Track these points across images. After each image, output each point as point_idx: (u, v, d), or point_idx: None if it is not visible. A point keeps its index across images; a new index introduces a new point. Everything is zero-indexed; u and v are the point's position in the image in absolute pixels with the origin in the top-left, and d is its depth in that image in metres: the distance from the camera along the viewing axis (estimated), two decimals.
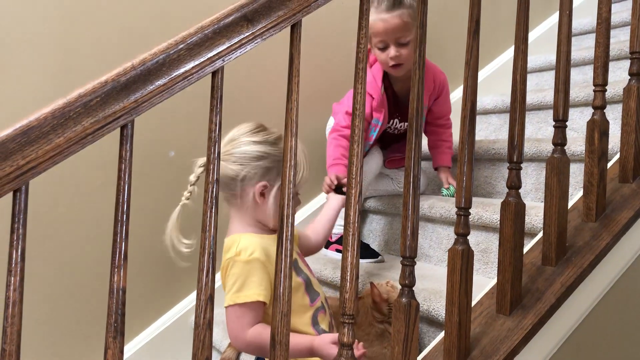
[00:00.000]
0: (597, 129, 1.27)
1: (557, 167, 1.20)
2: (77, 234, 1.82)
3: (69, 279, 1.81)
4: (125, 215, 0.80)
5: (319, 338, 1.18)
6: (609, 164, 1.38)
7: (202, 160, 1.24)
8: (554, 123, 1.24)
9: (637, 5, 1.32)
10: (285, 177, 0.92)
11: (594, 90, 1.30)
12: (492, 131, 2.37)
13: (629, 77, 1.36)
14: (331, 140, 1.87)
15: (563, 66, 1.21)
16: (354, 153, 0.96)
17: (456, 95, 2.44)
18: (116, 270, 0.80)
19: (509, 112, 1.16)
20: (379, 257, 1.96)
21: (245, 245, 1.20)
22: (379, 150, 2.04)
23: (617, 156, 1.40)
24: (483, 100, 2.36)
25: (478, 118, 2.36)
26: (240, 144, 1.25)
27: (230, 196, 1.27)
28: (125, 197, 0.81)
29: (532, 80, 2.51)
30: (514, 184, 1.16)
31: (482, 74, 2.57)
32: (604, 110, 1.30)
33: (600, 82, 1.29)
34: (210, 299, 0.85)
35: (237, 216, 1.27)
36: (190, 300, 1.93)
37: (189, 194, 1.22)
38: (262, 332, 1.16)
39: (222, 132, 0.88)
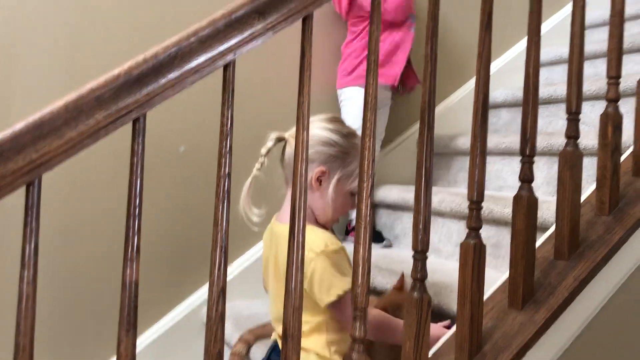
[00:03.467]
0: (611, 122, 1.26)
1: (570, 160, 1.19)
2: (89, 228, 1.83)
3: (81, 272, 1.82)
4: (137, 209, 0.80)
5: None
6: (622, 158, 1.37)
7: (276, 133, 1.27)
8: (565, 117, 1.23)
9: None
10: (297, 171, 0.92)
11: (608, 83, 1.29)
12: (502, 125, 2.36)
13: None
14: None
15: (576, 59, 1.20)
16: (366, 147, 0.96)
17: (468, 87, 2.43)
18: (129, 263, 0.80)
19: (522, 105, 1.15)
20: (385, 241, 1.96)
21: (323, 237, 1.20)
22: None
23: (630, 149, 1.38)
24: (493, 94, 2.34)
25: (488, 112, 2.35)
26: (312, 127, 1.24)
27: (289, 175, 1.27)
28: (138, 190, 0.81)
29: (542, 74, 2.47)
30: (527, 177, 1.15)
31: (492, 68, 2.55)
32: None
33: (614, 74, 1.27)
34: (223, 292, 0.85)
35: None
36: (201, 294, 1.93)
37: (260, 165, 1.24)
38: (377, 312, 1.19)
39: (233, 127, 0.88)
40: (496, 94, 2.34)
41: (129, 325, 0.80)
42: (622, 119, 1.27)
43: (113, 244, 1.79)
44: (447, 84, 2.45)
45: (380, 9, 0.97)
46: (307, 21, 0.92)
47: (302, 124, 0.92)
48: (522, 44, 2.53)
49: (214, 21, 0.84)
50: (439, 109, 2.39)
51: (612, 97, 1.27)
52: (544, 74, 2.49)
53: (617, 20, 1.28)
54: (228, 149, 0.87)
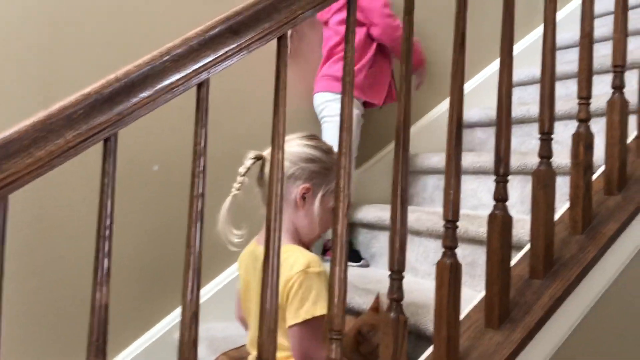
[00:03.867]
0: (583, 142, 1.28)
1: (543, 180, 1.21)
2: (59, 248, 1.78)
3: (49, 295, 1.77)
4: (108, 231, 0.78)
5: None
6: (594, 177, 1.39)
7: (254, 152, 1.25)
8: (538, 136, 1.24)
9: (619, 21, 1.34)
10: (272, 191, 0.91)
11: (579, 103, 1.31)
12: (477, 144, 2.38)
13: (612, 91, 1.38)
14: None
15: (548, 80, 1.22)
16: (342, 165, 0.96)
17: (442, 108, 2.45)
18: (98, 287, 0.78)
19: (495, 126, 1.16)
20: (362, 261, 1.95)
21: (307, 258, 1.18)
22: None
23: (602, 168, 1.41)
24: (468, 114, 2.37)
25: (463, 131, 2.36)
26: (292, 144, 1.24)
27: None
28: (109, 211, 0.79)
29: (515, 94, 2.49)
30: (501, 197, 1.16)
31: (466, 87, 2.57)
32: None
33: (585, 95, 1.30)
34: (195, 315, 0.83)
35: None
36: (174, 317, 1.89)
37: (239, 184, 1.22)
38: None
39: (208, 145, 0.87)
40: (471, 113, 2.37)
41: (98, 351, 0.78)
42: (593, 139, 1.29)
43: (84, 265, 1.75)
44: (424, 102, 2.47)
45: (354, 30, 0.98)
46: (282, 41, 0.92)
47: (277, 144, 0.91)
48: (496, 64, 2.56)
49: (188, 40, 0.83)
50: (415, 127, 2.41)
51: (583, 118, 1.30)
52: (517, 93, 2.53)
53: (587, 42, 1.31)
54: (201, 168, 0.86)
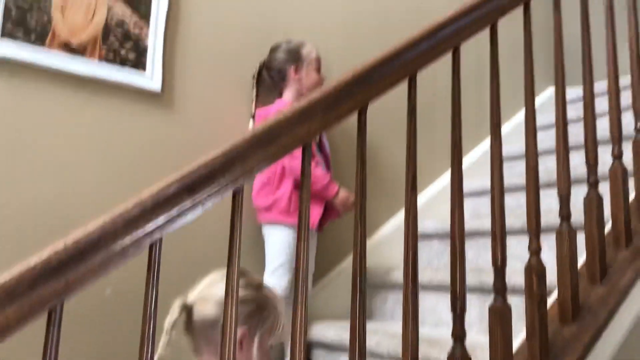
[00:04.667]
0: (535, 273, 1.30)
1: (499, 315, 1.22)
2: None
3: None
4: None
5: None
6: (549, 303, 1.40)
7: (179, 300, 1.16)
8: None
9: (561, 159, 1.41)
10: (226, 340, 0.88)
11: (529, 242, 1.34)
12: (434, 255, 2.40)
13: (560, 219, 1.42)
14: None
15: (498, 216, 1.26)
16: (297, 315, 0.94)
17: (400, 220, 2.47)
18: None
19: (450, 267, 1.18)
20: None
21: None
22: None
23: (555, 293, 1.42)
24: (424, 224, 2.40)
25: (420, 243, 2.38)
26: (222, 286, 1.10)
27: (204, 344, 1.14)
28: None
29: (469, 205, 2.57)
30: (459, 334, 1.16)
31: (422, 197, 2.63)
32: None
33: (533, 231, 1.33)
34: None
35: None
36: None
37: (167, 340, 1.10)
38: None
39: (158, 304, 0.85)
40: (427, 224, 2.40)
41: None
42: (545, 269, 1.32)
43: None
44: (380, 213, 2.50)
45: (309, 178, 1.00)
46: (237, 195, 0.93)
47: (230, 298, 0.90)
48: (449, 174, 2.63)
49: (141, 202, 0.83)
50: (372, 240, 2.42)
51: (534, 250, 1.33)
52: (470, 204, 2.59)
53: (532, 174, 1.36)
54: (151, 331, 0.83)
